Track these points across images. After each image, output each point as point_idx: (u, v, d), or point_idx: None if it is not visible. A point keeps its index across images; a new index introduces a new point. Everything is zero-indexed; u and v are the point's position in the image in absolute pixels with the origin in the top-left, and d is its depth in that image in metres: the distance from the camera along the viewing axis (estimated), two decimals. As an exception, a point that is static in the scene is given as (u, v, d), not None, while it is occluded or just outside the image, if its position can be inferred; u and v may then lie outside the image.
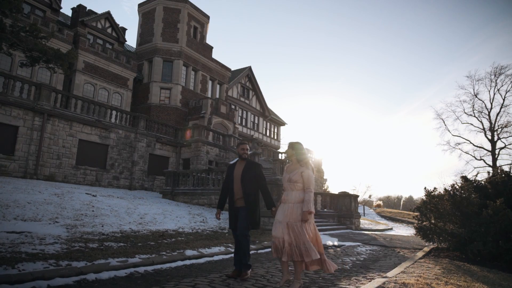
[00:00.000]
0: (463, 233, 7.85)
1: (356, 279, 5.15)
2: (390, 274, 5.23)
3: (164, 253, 6.09)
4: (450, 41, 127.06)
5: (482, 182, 9.26)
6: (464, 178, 9.04)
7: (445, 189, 8.57)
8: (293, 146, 4.46)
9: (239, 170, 4.84)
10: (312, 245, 3.96)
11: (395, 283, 4.54)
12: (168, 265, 5.46)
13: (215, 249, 6.93)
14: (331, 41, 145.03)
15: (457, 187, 8.47)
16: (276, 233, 4.18)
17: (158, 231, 8.52)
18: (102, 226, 8.15)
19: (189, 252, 6.37)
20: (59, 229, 7.03)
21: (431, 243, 9.26)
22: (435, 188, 8.94)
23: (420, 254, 7.89)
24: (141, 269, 5.02)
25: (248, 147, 5.04)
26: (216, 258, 6.37)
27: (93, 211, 9.58)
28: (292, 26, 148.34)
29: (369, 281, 4.92)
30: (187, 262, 5.82)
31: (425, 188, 9.13)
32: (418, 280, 4.73)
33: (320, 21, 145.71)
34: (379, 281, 4.70)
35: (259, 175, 4.82)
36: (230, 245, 7.78)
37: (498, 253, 7.58)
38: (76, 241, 6.26)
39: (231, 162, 5.11)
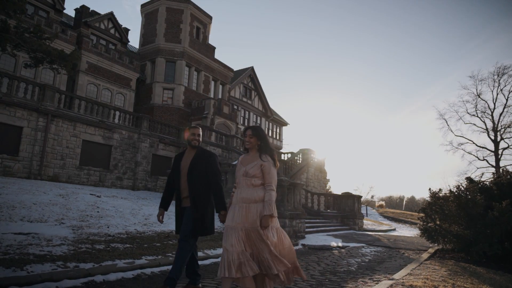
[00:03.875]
0: (469, 235, 7.83)
1: (362, 281, 5.15)
2: (396, 276, 5.22)
3: (170, 254, 6.10)
4: (453, 41, 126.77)
5: (487, 183, 9.24)
6: (469, 179, 9.02)
7: (450, 190, 8.55)
8: (254, 131, 3.55)
9: (187, 161, 3.92)
10: (276, 254, 3.16)
11: (402, 285, 4.54)
12: (174, 266, 5.47)
13: (220, 251, 6.93)
14: (333, 40, 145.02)
15: (462, 188, 8.45)
16: (228, 243, 3.23)
17: (163, 232, 8.54)
18: (108, 227, 8.17)
19: (195, 254, 6.37)
20: (65, 230, 7.05)
21: (436, 244, 9.24)
22: (440, 189, 8.93)
23: (425, 255, 7.88)
24: (148, 271, 5.04)
25: (200, 133, 4.09)
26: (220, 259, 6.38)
27: (98, 212, 9.61)
28: (295, 25, 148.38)
29: (376, 283, 4.92)
30: (193, 263, 5.83)
31: (429, 189, 9.12)
32: (425, 282, 4.72)
33: (322, 21, 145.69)
34: (386, 283, 4.70)
35: (211, 168, 3.89)
36: (235, 246, 7.78)
37: (503, 255, 7.56)
38: (83, 242, 6.28)
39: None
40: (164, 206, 4.05)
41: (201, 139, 4.10)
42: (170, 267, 5.37)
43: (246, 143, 3.55)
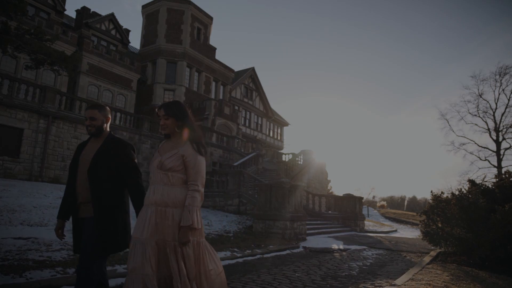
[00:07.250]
0: (471, 238, 7.78)
1: (364, 287, 5.11)
2: (398, 281, 5.17)
3: (170, 259, 6.05)
4: (454, 40, 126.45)
5: (489, 186, 9.18)
6: (472, 182, 8.96)
7: (452, 193, 8.50)
8: (168, 109, 2.63)
9: (89, 155, 2.80)
10: (189, 284, 2.34)
11: (404, 291, 4.50)
12: (174, 271, 5.43)
13: (221, 254, 6.88)
14: (334, 40, 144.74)
15: (465, 191, 8.40)
16: (135, 263, 2.34)
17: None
18: (108, 230, 8.14)
19: (195, 258, 6.33)
20: (65, 234, 7.02)
21: (438, 247, 9.19)
22: (442, 192, 8.88)
23: (427, 259, 7.82)
24: (148, 276, 5.00)
25: (99, 116, 2.85)
26: (222, 263, 6.33)
27: (98, 214, 9.58)
28: (295, 25, 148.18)
29: (378, 289, 4.88)
30: (194, 268, 5.79)
31: (431, 192, 9.07)
32: (427, 288, 4.68)
33: (323, 21, 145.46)
34: (388, 289, 4.65)
35: (125, 163, 2.83)
36: (236, 249, 7.75)
37: (506, 258, 7.50)
38: (83, 246, 6.26)
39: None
40: (62, 216, 2.97)
41: (102, 124, 2.87)
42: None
43: (162, 126, 2.65)
